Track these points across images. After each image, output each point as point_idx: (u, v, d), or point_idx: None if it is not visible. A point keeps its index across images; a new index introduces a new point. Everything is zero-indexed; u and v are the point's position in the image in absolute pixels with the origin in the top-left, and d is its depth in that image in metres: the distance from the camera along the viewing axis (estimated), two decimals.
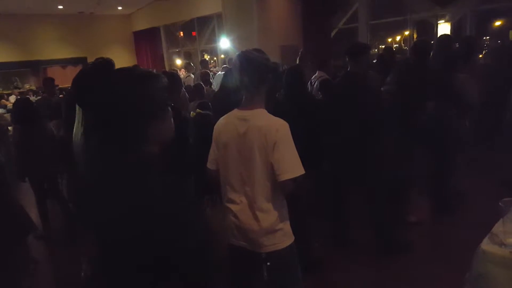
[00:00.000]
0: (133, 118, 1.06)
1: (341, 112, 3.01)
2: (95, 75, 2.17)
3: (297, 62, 4.90)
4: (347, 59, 3.19)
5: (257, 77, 1.80)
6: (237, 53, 1.90)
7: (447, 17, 8.07)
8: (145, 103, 1.07)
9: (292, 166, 1.71)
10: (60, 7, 12.59)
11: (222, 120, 1.94)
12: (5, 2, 10.77)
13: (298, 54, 5.11)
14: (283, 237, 1.84)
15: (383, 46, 8.80)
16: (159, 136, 1.12)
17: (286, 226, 1.86)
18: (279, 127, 1.73)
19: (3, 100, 10.64)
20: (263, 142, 1.73)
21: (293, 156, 1.73)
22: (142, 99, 1.07)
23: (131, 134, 1.07)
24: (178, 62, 13.81)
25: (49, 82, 5.99)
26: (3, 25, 12.59)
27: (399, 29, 10.08)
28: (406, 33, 8.88)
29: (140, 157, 1.06)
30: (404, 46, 9.68)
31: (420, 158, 3.68)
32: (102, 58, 2.61)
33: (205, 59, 11.69)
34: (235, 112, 1.87)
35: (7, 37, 12.93)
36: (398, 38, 11.03)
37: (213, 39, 12.09)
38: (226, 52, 10.40)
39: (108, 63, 2.66)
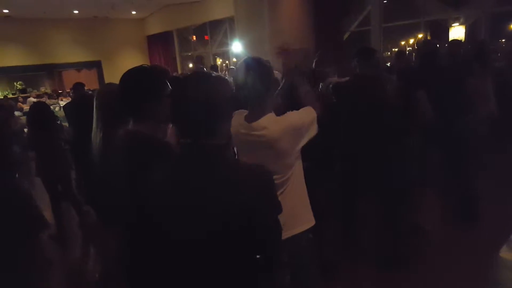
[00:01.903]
0: (211, 115, 1.17)
1: (353, 114, 2.98)
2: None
3: (313, 66, 4.86)
4: (356, 61, 3.17)
5: (264, 83, 1.80)
6: (239, 62, 1.90)
7: (461, 20, 7.95)
8: (223, 102, 1.19)
9: None
10: (76, 11, 12.80)
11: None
12: (22, 7, 11.01)
13: (309, 57, 5.07)
14: None
15: (396, 50, 8.71)
16: (227, 131, 1.26)
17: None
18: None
19: (19, 103, 10.84)
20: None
21: None
22: (221, 98, 1.19)
23: (207, 129, 1.18)
24: (191, 66, 13.90)
25: (79, 87, 6.21)
26: (20, 29, 12.86)
27: (412, 32, 9.98)
28: (420, 35, 8.79)
29: (211, 149, 1.18)
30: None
31: (435, 163, 3.62)
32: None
33: (215, 64, 11.74)
34: (244, 123, 1.87)
35: (24, 41, 13.20)
36: (411, 41, 10.92)
37: (225, 42, 12.14)
38: (237, 56, 10.42)
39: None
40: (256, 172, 1.21)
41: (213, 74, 1.26)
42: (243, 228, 1.13)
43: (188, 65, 14.10)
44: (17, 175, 3.97)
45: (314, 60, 4.96)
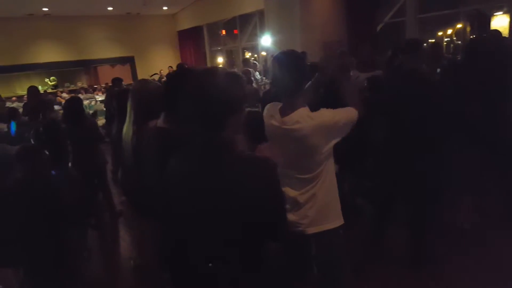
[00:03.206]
0: (220, 109, 1.23)
1: (392, 109, 2.86)
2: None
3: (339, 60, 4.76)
4: (399, 55, 3.03)
5: (296, 77, 1.78)
6: (274, 55, 1.89)
7: (505, 8, 7.52)
8: (232, 98, 1.25)
9: None
10: (110, 8, 13.13)
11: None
12: (59, 5, 11.41)
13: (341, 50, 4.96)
14: None
15: (433, 41, 8.36)
16: (237, 125, 1.31)
17: None
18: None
19: (58, 98, 11.27)
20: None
21: None
22: (231, 94, 1.25)
23: (215, 122, 1.25)
24: (220, 60, 13.98)
25: (118, 81, 6.44)
26: (57, 26, 13.36)
27: (450, 22, 9.55)
28: (459, 26, 8.40)
29: (219, 141, 1.25)
30: (457, 40, 9.15)
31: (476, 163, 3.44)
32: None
33: (247, 58, 11.73)
34: (277, 116, 1.85)
35: (61, 37, 13.70)
36: (449, 31, 10.45)
37: (254, 36, 12.10)
38: (266, 50, 10.37)
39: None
40: (260, 164, 1.27)
41: (226, 71, 1.32)
42: (248, 215, 1.20)
43: (217, 60, 14.18)
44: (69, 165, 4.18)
45: (339, 52, 4.84)
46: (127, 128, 2.64)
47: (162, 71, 12.39)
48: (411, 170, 2.75)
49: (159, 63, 14.10)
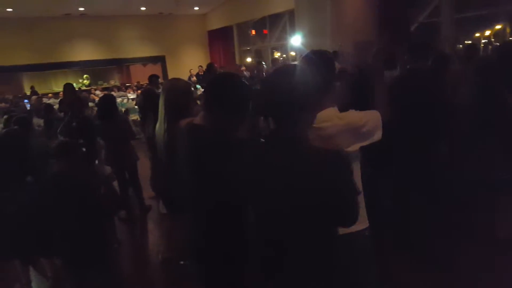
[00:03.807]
0: (295, 104, 1.30)
1: (406, 110, 2.80)
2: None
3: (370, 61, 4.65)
4: (409, 55, 3.00)
5: (324, 76, 1.76)
6: (304, 55, 1.88)
7: None
8: (306, 93, 1.32)
9: None
10: (143, 8, 13.43)
11: None
12: (95, 5, 11.78)
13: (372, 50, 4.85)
14: None
15: (469, 42, 8.06)
16: (310, 119, 1.40)
17: None
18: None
19: (91, 95, 11.63)
20: None
21: None
22: (304, 90, 1.31)
23: (291, 117, 1.31)
24: (249, 60, 14.02)
25: (155, 79, 6.59)
26: (92, 25, 13.80)
27: (489, 22, 9.17)
28: (498, 27, 8.05)
29: (294, 134, 1.33)
30: (495, 42, 8.78)
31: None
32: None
33: (276, 57, 11.71)
34: None
35: (96, 36, 14.16)
36: (487, 33, 10.04)
37: (283, 36, 12.06)
38: (296, 49, 10.32)
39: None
40: (334, 155, 1.33)
41: (297, 68, 1.38)
42: (321, 203, 1.26)
43: (246, 60, 14.22)
44: (96, 162, 4.31)
45: (375, 51, 4.73)
46: (160, 126, 2.69)
47: (192, 70, 12.56)
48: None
49: (189, 62, 14.31)
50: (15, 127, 3.61)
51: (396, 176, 3.08)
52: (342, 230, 1.82)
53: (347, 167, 1.35)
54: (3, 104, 9.99)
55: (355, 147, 1.78)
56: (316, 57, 1.81)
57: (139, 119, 7.23)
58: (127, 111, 8.86)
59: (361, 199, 1.89)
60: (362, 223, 1.87)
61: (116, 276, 2.81)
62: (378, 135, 1.81)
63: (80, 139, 3.53)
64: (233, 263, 1.75)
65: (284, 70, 1.43)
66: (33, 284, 3.23)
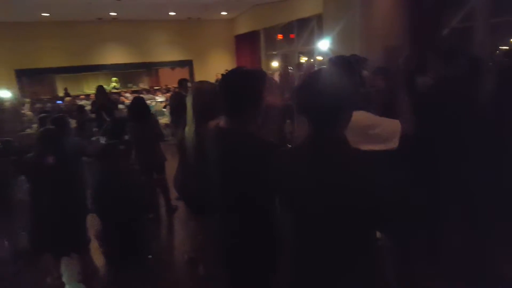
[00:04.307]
0: (334, 106, 1.32)
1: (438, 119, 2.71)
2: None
3: (401, 66, 4.56)
4: (441, 63, 2.90)
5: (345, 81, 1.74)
6: (329, 58, 1.88)
7: None
8: (346, 95, 1.35)
9: None
10: (172, 13, 13.68)
11: None
12: (126, 9, 12.08)
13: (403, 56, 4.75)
14: None
15: (506, 48, 7.78)
16: (348, 120, 1.40)
17: None
18: None
19: (121, 97, 11.93)
20: None
21: None
22: (345, 92, 1.35)
23: (330, 118, 1.34)
24: (275, 64, 14.02)
25: (185, 82, 6.73)
26: (123, 29, 14.19)
27: None
28: None
29: (333, 135, 1.35)
30: None
31: None
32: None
33: (301, 62, 11.67)
34: None
35: (126, 40, 14.53)
36: None
37: (311, 41, 12.01)
38: (322, 54, 10.24)
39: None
40: (373, 157, 1.34)
41: (336, 70, 1.45)
42: (362, 206, 1.26)
43: (272, 64, 14.22)
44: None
45: (404, 58, 4.63)
46: (189, 128, 2.72)
47: (218, 74, 12.68)
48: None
49: (216, 66, 14.47)
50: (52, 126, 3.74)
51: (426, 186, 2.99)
52: None
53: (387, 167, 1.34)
54: (38, 105, 10.37)
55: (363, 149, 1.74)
56: (338, 62, 1.81)
57: (168, 121, 7.36)
58: (156, 114, 9.02)
59: None
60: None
61: (151, 270, 2.86)
62: (393, 143, 1.76)
63: (116, 139, 3.64)
64: (261, 267, 1.74)
65: (323, 72, 1.46)
66: (64, 278, 3.32)
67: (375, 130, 1.74)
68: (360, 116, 1.74)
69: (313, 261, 1.41)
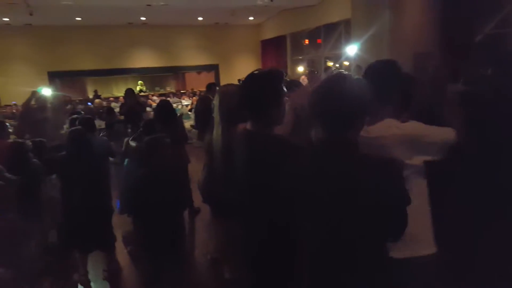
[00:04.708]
0: (348, 111, 1.33)
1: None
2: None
3: (432, 73, 4.43)
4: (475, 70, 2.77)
5: (385, 86, 1.69)
6: (370, 64, 1.82)
7: None
8: (359, 100, 1.36)
9: None
10: (200, 18, 13.88)
11: None
12: (155, 15, 12.34)
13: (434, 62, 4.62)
14: None
15: None
16: (361, 126, 1.42)
17: None
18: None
19: (149, 100, 12.17)
20: None
21: None
22: (358, 97, 1.35)
23: (344, 123, 1.35)
24: (301, 69, 13.96)
25: (214, 86, 6.81)
26: (152, 34, 14.49)
27: None
28: None
29: (346, 140, 1.36)
30: None
31: None
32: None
33: (329, 66, 11.58)
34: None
35: (155, 45, 14.84)
36: None
37: (338, 46, 11.90)
38: (350, 59, 10.13)
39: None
40: (388, 163, 1.34)
41: (351, 76, 1.43)
42: (373, 211, 1.26)
43: (297, 69, 14.17)
44: None
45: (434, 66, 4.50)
46: (216, 132, 2.73)
47: (241, 80, 12.73)
48: None
49: (242, 71, 14.49)
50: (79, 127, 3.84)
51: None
52: (400, 254, 1.68)
53: (397, 174, 1.34)
54: (69, 106, 10.70)
55: (416, 161, 1.67)
56: (381, 67, 1.75)
57: (193, 124, 7.43)
58: (181, 116, 9.14)
59: (426, 222, 1.76)
60: (427, 248, 1.72)
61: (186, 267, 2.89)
62: (442, 153, 1.69)
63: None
64: (283, 273, 1.72)
65: (338, 77, 1.47)
66: (90, 276, 3.39)
67: (427, 140, 1.66)
68: (411, 127, 1.69)
69: (324, 268, 1.40)
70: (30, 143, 3.26)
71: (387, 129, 1.67)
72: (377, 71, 1.74)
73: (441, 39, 7.94)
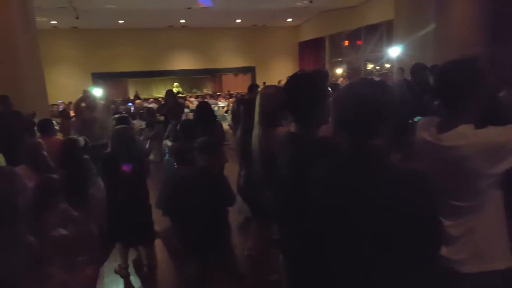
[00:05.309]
0: (371, 117, 1.25)
1: None
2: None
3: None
4: None
5: (465, 89, 1.54)
6: (442, 64, 1.68)
7: None
8: (382, 106, 1.26)
9: None
10: (238, 21, 13.98)
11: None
12: (195, 18, 12.57)
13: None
14: None
15: None
16: (387, 133, 1.31)
17: None
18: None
19: (187, 102, 12.37)
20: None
21: None
22: (381, 102, 1.26)
23: (367, 130, 1.27)
24: (339, 71, 13.73)
25: (256, 88, 6.84)
26: (191, 37, 14.78)
27: None
28: None
29: (370, 149, 1.27)
30: None
31: None
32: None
33: (370, 69, 11.32)
34: (432, 132, 1.64)
35: (194, 47, 15.11)
36: None
37: (379, 48, 11.60)
38: (391, 61, 9.83)
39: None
40: (414, 175, 1.25)
41: (374, 80, 1.39)
42: (400, 225, 1.17)
43: (336, 71, 13.95)
44: None
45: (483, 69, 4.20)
46: (255, 133, 2.69)
47: (281, 81, 12.69)
48: None
49: (279, 73, 14.50)
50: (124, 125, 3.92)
51: None
52: (477, 267, 1.56)
53: (426, 186, 1.23)
54: (112, 106, 11.06)
55: (496, 170, 1.52)
56: (457, 68, 1.60)
57: (230, 125, 7.45)
58: (218, 118, 9.21)
59: (502, 233, 1.61)
60: (503, 261, 1.57)
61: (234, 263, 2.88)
62: None
63: (183, 140, 3.75)
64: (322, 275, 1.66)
65: (366, 82, 1.39)
66: (130, 270, 3.46)
67: (509, 146, 1.51)
68: (491, 134, 1.53)
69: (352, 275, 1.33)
70: (83, 141, 3.37)
71: (463, 138, 1.51)
72: (451, 73, 1.59)
73: (492, 41, 7.53)
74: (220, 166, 4.65)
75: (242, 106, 4.27)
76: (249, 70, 16.24)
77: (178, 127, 4.35)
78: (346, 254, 1.33)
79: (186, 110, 9.80)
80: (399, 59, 8.64)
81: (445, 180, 1.58)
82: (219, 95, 14.65)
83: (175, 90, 15.35)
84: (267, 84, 6.31)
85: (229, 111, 8.74)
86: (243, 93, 11.96)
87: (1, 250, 1.52)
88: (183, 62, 15.30)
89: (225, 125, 8.50)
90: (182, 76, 15.86)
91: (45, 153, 3.09)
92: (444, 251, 1.58)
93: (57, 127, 5.60)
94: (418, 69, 5.12)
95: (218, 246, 2.70)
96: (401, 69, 7.75)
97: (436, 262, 1.33)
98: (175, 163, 4.30)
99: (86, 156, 3.32)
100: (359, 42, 12.53)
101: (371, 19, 11.12)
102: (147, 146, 4.85)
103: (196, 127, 4.15)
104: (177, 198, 2.72)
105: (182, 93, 15.19)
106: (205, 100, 11.81)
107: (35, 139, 3.60)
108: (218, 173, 2.77)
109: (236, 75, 16.69)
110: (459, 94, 1.54)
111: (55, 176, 2.56)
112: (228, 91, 15.28)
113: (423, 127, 1.70)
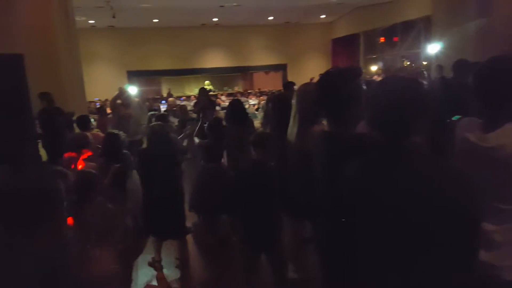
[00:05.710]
0: (406, 115, 1.22)
1: None
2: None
3: None
4: None
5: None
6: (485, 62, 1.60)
7: None
8: (416, 103, 1.25)
9: None
10: (271, 18, 13.93)
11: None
12: (228, 16, 12.64)
13: None
14: None
15: None
16: (423, 129, 1.29)
17: None
18: None
19: (217, 100, 12.47)
20: None
21: None
22: (414, 99, 1.25)
23: (403, 128, 1.24)
24: (374, 68, 13.41)
25: (292, 85, 6.83)
26: (224, 35, 14.87)
27: None
28: None
29: (407, 146, 1.26)
30: None
31: None
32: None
33: (406, 66, 11.01)
34: (476, 132, 1.57)
35: (226, 45, 15.22)
36: None
37: (416, 44, 11.25)
38: (429, 59, 9.50)
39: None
40: (455, 172, 1.21)
41: (406, 77, 1.39)
42: (440, 224, 1.14)
43: (370, 68, 13.63)
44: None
45: None
46: (291, 130, 2.67)
47: (313, 78, 12.56)
48: None
49: (311, 71, 14.35)
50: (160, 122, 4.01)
51: None
52: None
53: (467, 183, 1.19)
54: (146, 103, 11.33)
55: None
56: (502, 65, 1.52)
57: (261, 122, 7.44)
58: (250, 116, 9.22)
59: None
60: None
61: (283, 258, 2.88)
62: None
63: (210, 138, 3.78)
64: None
65: (397, 79, 1.41)
66: (163, 263, 3.52)
67: None
68: None
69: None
70: (125, 136, 3.47)
71: (509, 137, 1.46)
72: (496, 70, 1.52)
73: None
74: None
75: (271, 104, 4.26)
76: (281, 68, 16.15)
77: (206, 125, 4.40)
78: (383, 253, 1.29)
79: (217, 108, 9.88)
80: (437, 56, 8.35)
81: (489, 182, 1.51)
82: (250, 93, 14.68)
83: (206, 88, 15.56)
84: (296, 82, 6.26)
85: (260, 109, 8.74)
86: (274, 91, 11.93)
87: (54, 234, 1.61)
88: (215, 59, 15.43)
89: (256, 123, 8.53)
90: (213, 74, 16.00)
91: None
92: (487, 257, 1.51)
93: (94, 124, 5.80)
94: (461, 66, 4.82)
95: (273, 237, 2.70)
96: (439, 67, 7.47)
97: (476, 266, 1.25)
98: (201, 160, 4.38)
99: (126, 151, 3.42)
100: (395, 39, 12.19)
101: (408, 14, 10.80)
102: (184, 143, 4.89)
103: (223, 125, 4.18)
104: (232, 194, 2.76)
105: (213, 91, 15.33)
106: (238, 98, 11.88)
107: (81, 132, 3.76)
108: (272, 167, 2.75)
109: (267, 72, 16.65)
110: (505, 93, 1.47)
111: (92, 171, 2.66)
112: (259, 89, 15.28)
113: (466, 128, 1.64)
